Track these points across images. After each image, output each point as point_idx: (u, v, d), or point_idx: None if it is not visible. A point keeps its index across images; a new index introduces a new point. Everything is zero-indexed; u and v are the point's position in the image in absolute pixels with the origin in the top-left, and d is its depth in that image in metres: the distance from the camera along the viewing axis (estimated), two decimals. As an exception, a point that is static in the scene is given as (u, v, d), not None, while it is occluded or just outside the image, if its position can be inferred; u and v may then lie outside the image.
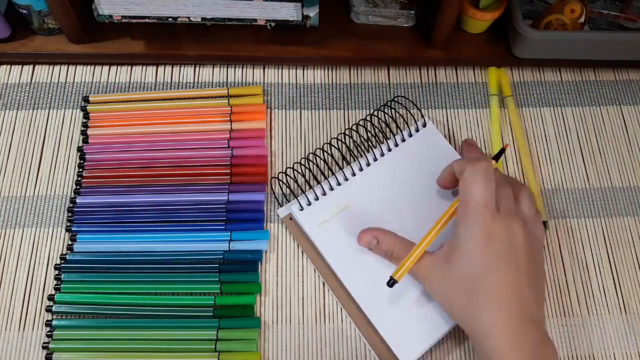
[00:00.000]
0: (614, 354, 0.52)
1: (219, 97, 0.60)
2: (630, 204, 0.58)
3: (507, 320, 0.42)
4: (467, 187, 0.46)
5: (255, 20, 0.56)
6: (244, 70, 0.63)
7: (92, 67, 0.62)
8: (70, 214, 0.54)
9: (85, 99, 0.59)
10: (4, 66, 0.61)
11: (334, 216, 0.53)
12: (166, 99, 0.60)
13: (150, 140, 0.58)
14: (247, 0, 0.53)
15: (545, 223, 0.56)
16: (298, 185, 0.55)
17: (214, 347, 0.49)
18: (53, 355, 0.48)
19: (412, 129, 0.58)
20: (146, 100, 0.59)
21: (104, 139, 0.58)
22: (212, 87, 0.61)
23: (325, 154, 0.57)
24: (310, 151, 0.58)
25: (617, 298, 0.54)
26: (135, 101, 0.59)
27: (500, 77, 0.63)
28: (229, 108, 0.59)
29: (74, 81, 0.61)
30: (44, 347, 0.49)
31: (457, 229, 0.46)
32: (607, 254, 0.56)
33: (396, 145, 0.57)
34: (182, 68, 0.62)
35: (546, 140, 0.61)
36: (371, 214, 0.54)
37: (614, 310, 0.54)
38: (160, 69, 0.62)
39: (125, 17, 0.55)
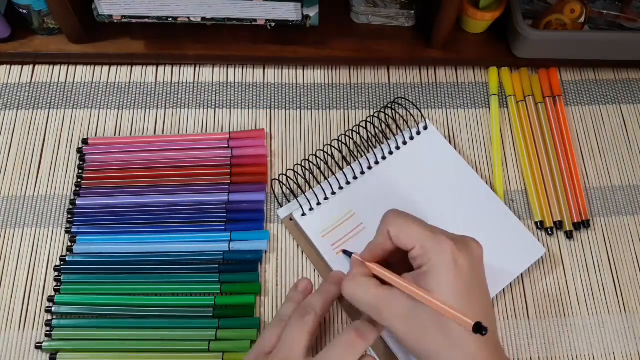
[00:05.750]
0: (613, 354, 0.52)
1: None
2: (630, 203, 0.58)
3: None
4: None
5: (255, 20, 0.56)
6: (244, 70, 0.63)
7: (92, 67, 0.62)
8: (70, 216, 0.54)
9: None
10: (4, 66, 0.61)
11: (338, 224, 0.53)
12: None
13: (150, 141, 0.58)
14: (247, 0, 0.53)
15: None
16: (299, 187, 0.55)
17: (214, 347, 0.49)
18: (57, 356, 0.48)
19: (414, 131, 0.58)
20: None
21: (103, 140, 0.58)
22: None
23: (325, 155, 0.57)
24: (311, 152, 0.58)
25: (617, 298, 0.54)
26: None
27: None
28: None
29: (74, 81, 0.61)
30: (37, 347, 0.49)
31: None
32: (607, 253, 0.56)
33: (397, 148, 0.57)
34: (182, 68, 0.62)
35: (546, 140, 0.61)
36: (374, 220, 0.53)
37: (614, 310, 0.54)
38: (160, 69, 0.62)
39: (125, 17, 0.55)
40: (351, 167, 0.56)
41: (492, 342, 0.42)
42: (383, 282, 0.44)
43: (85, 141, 0.57)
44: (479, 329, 0.37)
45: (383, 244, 0.46)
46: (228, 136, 0.58)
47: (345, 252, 0.52)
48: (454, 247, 0.42)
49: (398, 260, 0.47)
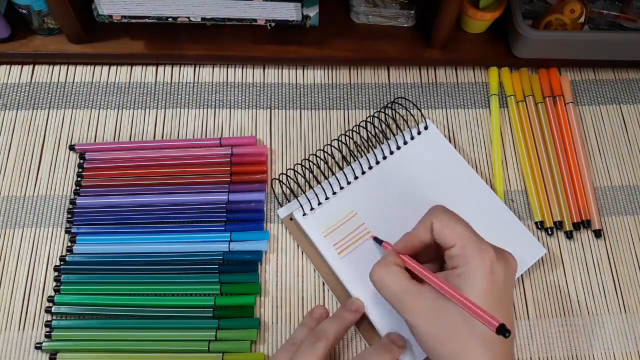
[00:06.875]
0: (614, 354, 0.52)
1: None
2: (630, 203, 0.58)
3: None
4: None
5: (255, 20, 0.56)
6: (244, 70, 0.63)
7: (92, 67, 0.62)
8: (70, 216, 0.54)
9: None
10: (4, 66, 0.61)
11: (340, 223, 0.53)
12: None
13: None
14: (247, 0, 0.53)
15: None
16: (299, 186, 0.55)
17: (214, 347, 0.49)
18: (57, 356, 0.48)
19: (414, 131, 0.58)
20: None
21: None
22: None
23: (325, 155, 0.57)
24: (311, 152, 0.58)
25: (617, 298, 0.54)
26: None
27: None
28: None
29: (74, 81, 0.61)
30: (37, 347, 0.49)
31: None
32: (607, 253, 0.56)
33: (398, 148, 0.57)
34: (182, 68, 0.62)
35: (546, 140, 0.61)
36: (376, 220, 0.54)
37: (614, 310, 0.54)
38: (160, 69, 0.62)
39: (125, 17, 0.55)
40: (351, 167, 0.56)
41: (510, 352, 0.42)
42: (413, 277, 0.45)
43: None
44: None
45: (422, 235, 0.46)
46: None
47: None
48: (494, 256, 0.42)
49: (426, 259, 0.47)
